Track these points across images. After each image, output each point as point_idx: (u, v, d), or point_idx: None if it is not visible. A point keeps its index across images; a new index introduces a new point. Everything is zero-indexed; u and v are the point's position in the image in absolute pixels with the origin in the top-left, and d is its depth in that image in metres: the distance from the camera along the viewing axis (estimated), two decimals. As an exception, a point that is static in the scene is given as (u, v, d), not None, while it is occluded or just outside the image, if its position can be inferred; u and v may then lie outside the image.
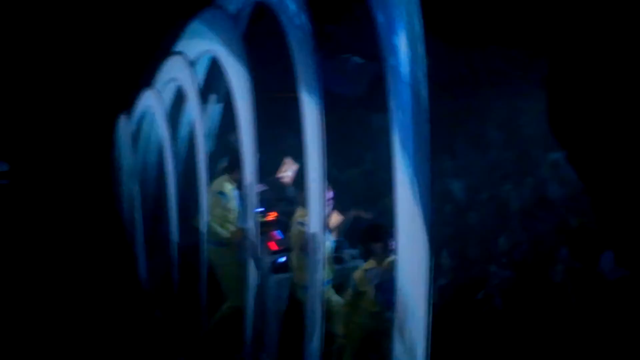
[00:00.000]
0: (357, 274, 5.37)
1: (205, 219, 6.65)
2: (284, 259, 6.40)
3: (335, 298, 5.86)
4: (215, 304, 6.81)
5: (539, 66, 8.34)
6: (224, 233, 6.77)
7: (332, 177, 5.59)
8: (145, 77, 7.85)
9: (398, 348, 4.19)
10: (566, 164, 7.97)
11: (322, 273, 5.06)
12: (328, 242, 5.63)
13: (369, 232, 5.34)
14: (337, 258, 6.08)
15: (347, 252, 6.28)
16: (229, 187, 6.88)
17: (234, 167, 6.80)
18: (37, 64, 10.38)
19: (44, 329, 6.65)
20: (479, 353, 5.62)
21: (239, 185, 6.71)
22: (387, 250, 5.21)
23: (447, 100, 8.09)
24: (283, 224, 7.14)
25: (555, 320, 5.24)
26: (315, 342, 5.17)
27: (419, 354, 3.74)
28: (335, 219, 6.09)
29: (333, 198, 5.76)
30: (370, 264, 5.35)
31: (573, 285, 5.67)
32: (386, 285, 5.20)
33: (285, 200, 7.63)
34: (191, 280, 7.03)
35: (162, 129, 7.44)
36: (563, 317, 5.27)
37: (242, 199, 6.47)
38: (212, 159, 7.52)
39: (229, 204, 6.84)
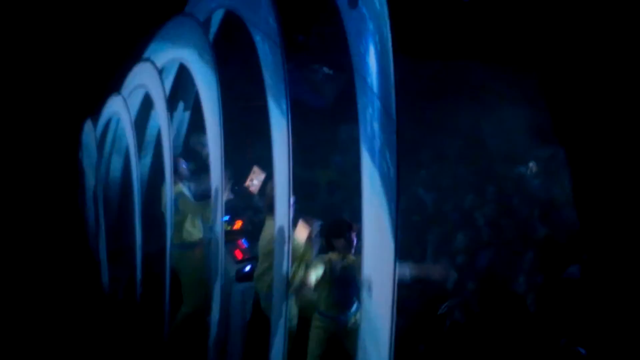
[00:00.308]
0: (319, 260, 5.36)
1: (170, 223, 6.62)
2: (248, 267, 6.39)
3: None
4: (177, 310, 6.78)
5: (509, 79, 8.47)
6: (195, 234, 6.74)
7: (301, 184, 5.63)
8: (112, 83, 7.79)
9: (362, 351, 4.22)
10: (532, 175, 8.11)
11: (286, 281, 5.06)
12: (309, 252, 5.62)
13: (331, 228, 5.36)
14: None
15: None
16: (180, 188, 6.86)
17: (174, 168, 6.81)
18: (2, 65, 10.24)
19: (4, 335, 6.54)
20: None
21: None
22: (349, 245, 5.23)
23: (415, 112, 8.17)
24: (249, 232, 7.14)
25: (516, 331, 5.30)
26: (278, 353, 5.17)
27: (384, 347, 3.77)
28: (302, 229, 6.09)
29: (295, 204, 5.78)
30: (334, 256, 5.35)
31: (535, 296, 5.75)
32: (345, 282, 5.23)
33: (251, 209, 7.63)
34: (154, 286, 6.99)
35: (128, 135, 7.39)
36: (523, 328, 5.33)
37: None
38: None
39: (191, 202, 6.82)
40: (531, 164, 8.36)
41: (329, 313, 5.36)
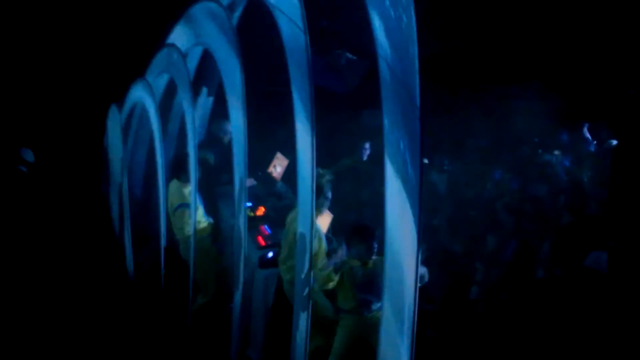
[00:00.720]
0: (341, 265, 5.34)
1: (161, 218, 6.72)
2: (271, 254, 6.38)
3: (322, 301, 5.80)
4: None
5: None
6: (187, 231, 6.75)
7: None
8: (137, 68, 7.80)
9: (384, 347, 4.18)
10: (558, 163, 7.98)
11: (309, 270, 5.04)
12: (323, 241, 5.60)
13: (355, 232, 5.31)
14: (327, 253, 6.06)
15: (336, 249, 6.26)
16: (186, 194, 6.80)
17: (182, 171, 6.80)
18: (28, 53, 10.31)
19: (30, 322, 6.60)
20: (465, 353, 5.61)
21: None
22: (371, 251, 5.20)
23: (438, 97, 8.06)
24: (272, 219, 7.12)
25: (539, 319, 5.23)
26: (301, 339, 5.15)
27: (404, 354, 3.73)
28: (326, 218, 6.07)
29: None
30: (354, 262, 5.34)
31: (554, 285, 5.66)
32: (367, 285, 5.21)
33: (274, 195, 7.61)
34: (178, 274, 7.01)
35: (152, 121, 7.39)
36: (547, 316, 5.26)
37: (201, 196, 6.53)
38: (201, 146, 7.52)
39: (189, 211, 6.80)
40: (557, 152, 8.24)
41: (352, 311, 5.33)
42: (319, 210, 5.67)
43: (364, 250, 5.22)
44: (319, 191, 5.57)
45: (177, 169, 6.93)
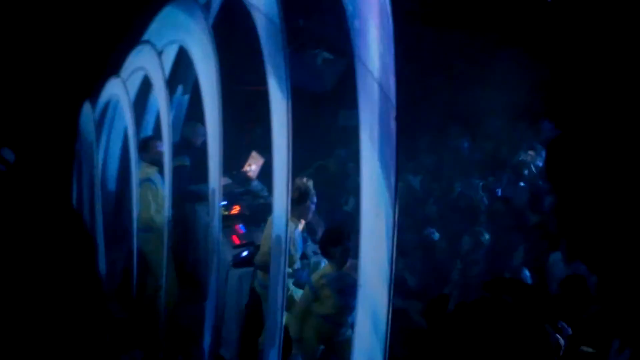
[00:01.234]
0: (315, 279, 5.33)
1: (136, 208, 6.68)
2: (246, 253, 6.36)
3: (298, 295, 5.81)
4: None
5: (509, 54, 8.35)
6: (157, 219, 6.71)
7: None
8: (111, 65, 7.73)
9: (358, 352, 4.19)
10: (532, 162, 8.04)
11: (285, 270, 5.02)
12: (298, 238, 5.59)
13: (328, 236, 5.30)
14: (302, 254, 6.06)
15: (309, 247, 6.26)
16: (152, 172, 6.88)
17: (145, 150, 6.89)
18: None
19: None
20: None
21: (160, 167, 6.77)
22: (346, 253, 5.18)
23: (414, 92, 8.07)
24: (247, 217, 7.10)
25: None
26: (275, 338, 5.14)
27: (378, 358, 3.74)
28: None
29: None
30: (328, 268, 5.32)
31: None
32: (346, 289, 5.19)
33: (249, 194, 7.59)
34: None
35: (126, 119, 7.34)
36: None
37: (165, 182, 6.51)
38: (175, 150, 7.48)
39: (158, 189, 6.81)
40: (530, 152, 8.31)
41: (331, 318, 5.32)
42: (306, 216, 5.68)
43: (340, 253, 5.20)
44: (305, 197, 5.58)
45: (141, 149, 6.95)
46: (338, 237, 5.20)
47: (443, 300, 5.27)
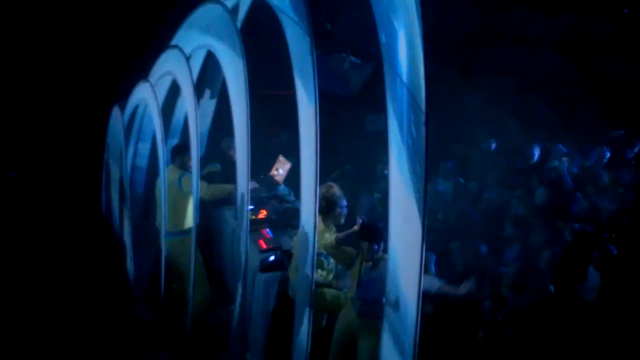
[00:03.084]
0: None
1: (163, 212, 6.68)
2: (273, 257, 6.35)
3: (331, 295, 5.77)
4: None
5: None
6: (185, 223, 6.74)
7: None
8: (140, 69, 7.78)
9: (387, 348, 4.16)
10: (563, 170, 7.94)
11: (311, 272, 5.02)
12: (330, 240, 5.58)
13: (364, 229, 5.32)
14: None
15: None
16: (178, 174, 6.93)
17: (180, 154, 6.97)
18: (30, 54, 10.28)
19: (28, 324, 6.57)
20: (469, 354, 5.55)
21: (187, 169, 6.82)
22: (373, 252, 5.18)
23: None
24: (273, 222, 7.10)
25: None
26: (302, 342, 5.13)
27: (408, 354, 3.71)
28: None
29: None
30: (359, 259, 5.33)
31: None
32: (367, 284, 5.19)
33: (276, 198, 7.58)
34: (179, 275, 6.99)
35: (155, 123, 7.38)
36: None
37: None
38: (208, 158, 7.54)
39: (183, 191, 6.84)
40: (564, 159, 8.19)
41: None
42: (338, 220, 5.67)
43: (367, 249, 5.22)
44: (333, 205, 5.58)
45: (175, 154, 7.05)
46: (369, 233, 5.20)
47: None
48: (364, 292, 5.21)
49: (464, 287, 5.17)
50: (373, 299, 5.12)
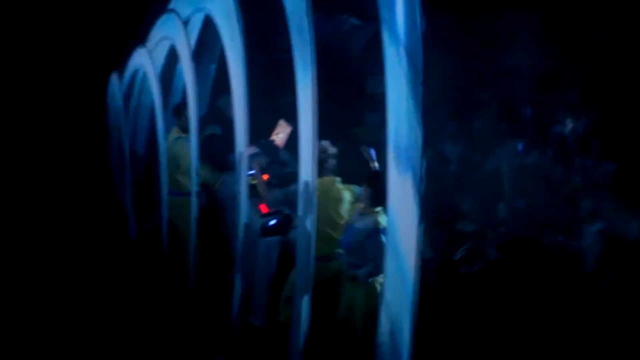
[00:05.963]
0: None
1: (166, 170, 6.73)
2: (273, 221, 6.34)
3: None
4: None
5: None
6: (186, 181, 6.74)
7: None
8: (137, 34, 7.72)
9: (384, 320, 4.16)
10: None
11: (313, 239, 5.00)
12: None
13: (366, 175, 5.33)
14: None
15: None
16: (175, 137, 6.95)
17: (177, 116, 6.98)
18: (24, 20, 10.20)
19: (33, 290, 6.62)
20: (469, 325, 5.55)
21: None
22: (372, 201, 5.15)
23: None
24: (274, 186, 7.08)
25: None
26: (304, 306, 5.14)
27: (405, 325, 3.70)
28: None
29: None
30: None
31: None
32: (352, 230, 5.19)
33: (277, 162, 7.55)
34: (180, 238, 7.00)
35: (153, 89, 7.33)
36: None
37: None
38: (203, 121, 7.47)
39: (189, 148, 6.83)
40: (568, 121, 8.07)
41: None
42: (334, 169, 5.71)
43: (366, 194, 5.21)
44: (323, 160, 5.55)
45: (174, 115, 7.09)
46: (372, 179, 5.20)
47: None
48: (347, 235, 5.23)
49: None
50: (352, 248, 5.16)
